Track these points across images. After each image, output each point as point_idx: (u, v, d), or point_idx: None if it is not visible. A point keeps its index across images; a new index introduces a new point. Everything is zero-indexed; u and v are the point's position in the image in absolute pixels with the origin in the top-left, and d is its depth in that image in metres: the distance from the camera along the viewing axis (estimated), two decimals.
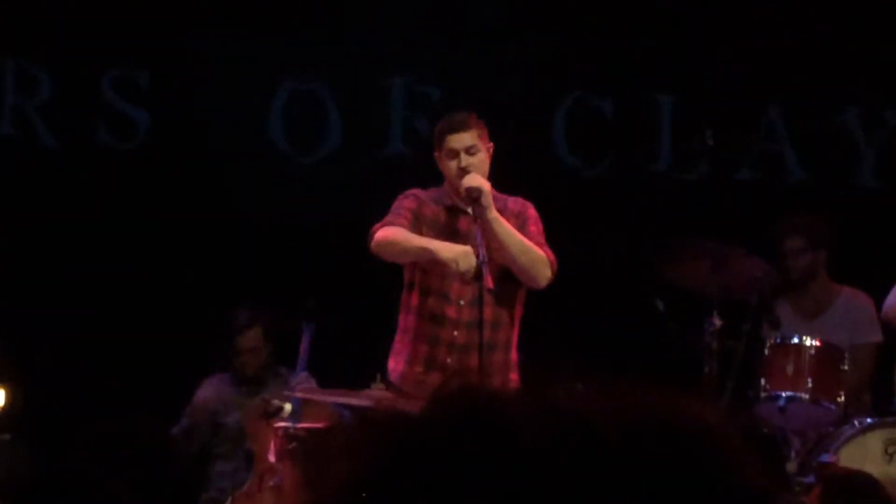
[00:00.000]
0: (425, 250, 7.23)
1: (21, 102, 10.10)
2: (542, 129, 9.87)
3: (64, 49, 10.00)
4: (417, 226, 7.37)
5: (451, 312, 7.34)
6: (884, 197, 9.87)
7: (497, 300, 7.27)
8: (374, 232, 7.28)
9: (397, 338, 7.49)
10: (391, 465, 1.10)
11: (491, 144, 7.35)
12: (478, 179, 7.14)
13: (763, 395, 8.50)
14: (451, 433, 1.12)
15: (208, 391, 9.23)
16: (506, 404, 1.15)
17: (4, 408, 8.25)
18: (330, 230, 8.66)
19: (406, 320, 7.46)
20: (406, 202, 7.41)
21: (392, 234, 7.26)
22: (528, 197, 7.57)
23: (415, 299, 7.44)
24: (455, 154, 7.25)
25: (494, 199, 7.25)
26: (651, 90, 10.13)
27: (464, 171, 7.19)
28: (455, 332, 7.33)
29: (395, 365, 7.41)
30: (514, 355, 7.44)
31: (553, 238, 7.46)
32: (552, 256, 7.30)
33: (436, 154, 7.43)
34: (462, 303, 7.32)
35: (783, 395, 8.44)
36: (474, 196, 7.12)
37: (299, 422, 7.65)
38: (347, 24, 9.97)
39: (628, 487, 1.15)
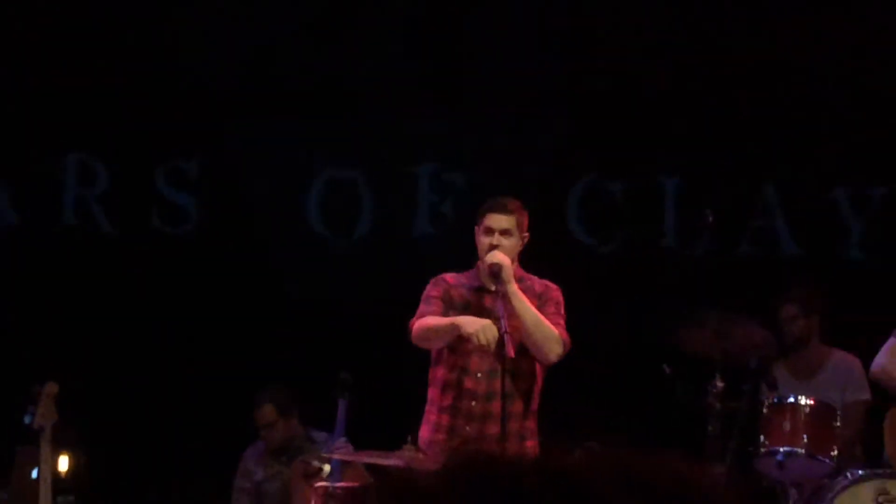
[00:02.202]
0: (453, 326, 7.15)
1: (82, 193, 10.15)
2: (558, 211, 9.87)
3: (119, 143, 10.05)
4: (446, 310, 7.34)
5: (469, 384, 7.29)
6: (870, 268, 9.87)
7: (514, 372, 7.19)
8: (412, 326, 7.27)
9: (426, 408, 7.43)
10: None
11: (527, 235, 7.35)
12: (500, 256, 7.11)
13: (763, 450, 8.43)
14: (462, 495, 1.09)
15: (251, 458, 9.22)
16: (518, 470, 1.12)
17: (68, 472, 8.26)
18: (365, 307, 8.63)
19: (432, 392, 7.41)
20: (435, 291, 7.40)
21: (425, 324, 7.23)
22: (547, 273, 7.52)
23: (439, 372, 7.38)
24: (490, 232, 7.22)
25: (522, 278, 7.29)
26: (656, 173, 10.16)
27: (492, 248, 7.17)
28: (473, 403, 7.28)
29: (424, 433, 7.33)
30: (531, 424, 7.38)
31: (570, 309, 7.41)
32: (566, 336, 7.27)
33: (476, 228, 7.36)
34: (479, 375, 7.27)
35: (781, 450, 8.37)
36: (495, 271, 7.09)
37: (338, 481, 7.67)
38: (378, 116, 9.96)
39: None
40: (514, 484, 1.09)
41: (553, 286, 7.42)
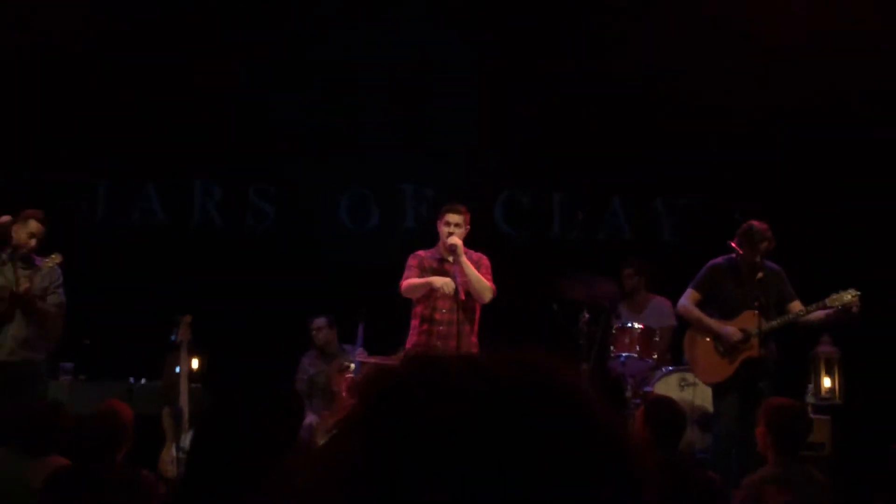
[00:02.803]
0: (427, 283, 7.24)
1: (205, 202, 10.14)
2: (489, 212, 9.83)
3: (226, 171, 10.00)
4: (421, 272, 7.35)
5: (437, 316, 7.29)
6: (676, 247, 9.83)
7: (464, 308, 7.26)
8: (401, 285, 7.32)
9: (410, 331, 7.41)
10: (378, 393, 0.97)
11: (469, 227, 7.32)
12: (455, 240, 7.17)
13: (612, 356, 8.47)
14: (406, 375, 0.98)
15: (307, 361, 9.21)
16: (445, 361, 0.99)
17: (197, 370, 8.26)
18: (375, 269, 8.46)
19: (414, 322, 7.40)
20: (413, 261, 7.41)
21: (410, 283, 7.30)
22: (481, 250, 7.48)
23: (418, 309, 7.37)
24: (448, 224, 7.23)
25: (466, 252, 7.26)
26: (549, 190, 10.10)
27: (450, 235, 7.21)
28: (440, 328, 7.28)
29: (408, 345, 7.38)
30: (474, 339, 7.36)
31: (495, 272, 7.40)
32: (493, 286, 7.29)
33: (438, 222, 7.36)
34: (444, 310, 7.28)
35: (623, 355, 8.42)
36: (453, 249, 7.18)
37: (359, 374, 7.59)
38: (378, 155, 9.89)
39: (513, 408, 0.94)
40: (440, 369, 0.98)
41: (484, 257, 7.44)
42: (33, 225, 7.34)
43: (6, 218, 7.40)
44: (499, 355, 1.02)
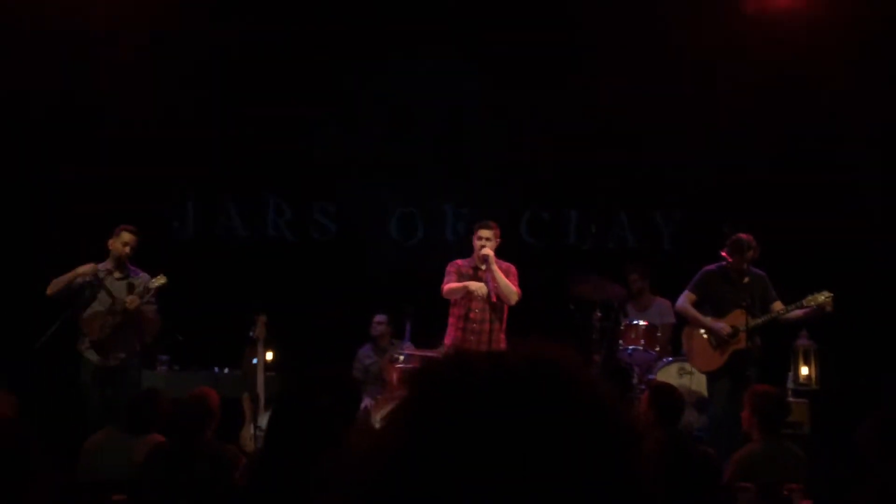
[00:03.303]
0: (464, 287, 7.25)
1: (279, 220, 10.09)
2: (516, 227, 9.74)
3: (295, 192, 9.93)
4: (459, 278, 7.34)
5: (472, 315, 7.31)
6: (674, 255, 9.65)
7: (494, 309, 7.28)
8: (443, 288, 7.33)
9: (448, 328, 7.42)
10: (420, 388, 0.99)
11: (500, 240, 7.33)
12: (488, 251, 7.19)
13: (621, 348, 8.45)
14: (443, 371, 0.98)
15: (363, 353, 9.14)
16: (475, 358, 0.99)
17: (272, 361, 8.18)
18: (421, 275, 8.43)
19: (451, 320, 7.41)
20: (452, 268, 7.40)
21: (450, 286, 7.30)
22: (509, 259, 7.45)
23: (455, 310, 7.39)
24: (481, 238, 7.24)
25: (496, 262, 7.26)
26: (566, 208, 10.01)
27: (482, 247, 7.22)
28: (474, 325, 7.28)
29: (447, 340, 7.39)
30: (503, 336, 7.34)
31: (521, 279, 7.37)
32: (519, 291, 7.28)
33: (472, 237, 7.35)
34: (477, 310, 7.29)
35: (630, 347, 8.41)
36: (485, 259, 7.20)
37: (408, 364, 7.56)
38: (424, 180, 9.89)
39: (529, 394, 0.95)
40: (470, 365, 0.98)
41: (513, 266, 7.43)
42: (126, 236, 7.48)
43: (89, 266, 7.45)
44: (519, 351, 1.02)
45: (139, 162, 9.26)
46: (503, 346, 7.27)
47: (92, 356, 7.32)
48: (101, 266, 7.53)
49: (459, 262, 7.48)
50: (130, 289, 7.43)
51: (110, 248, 7.50)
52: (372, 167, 9.89)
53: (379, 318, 9.14)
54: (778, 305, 7.32)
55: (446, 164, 9.88)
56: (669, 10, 9.19)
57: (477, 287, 7.25)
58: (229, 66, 9.59)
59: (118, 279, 7.47)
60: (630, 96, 9.30)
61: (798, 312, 7.20)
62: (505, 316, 7.40)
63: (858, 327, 8.51)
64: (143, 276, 7.58)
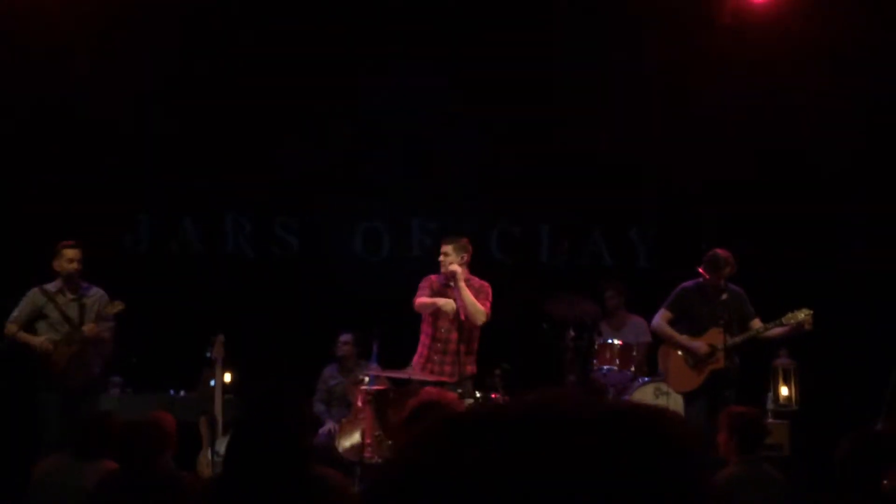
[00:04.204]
0: (433, 303, 7.27)
1: (237, 234, 10.03)
2: (485, 242, 9.67)
3: (256, 208, 9.93)
4: (431, 293, 7.36)
5: (438, 334, 7.32)
6: (650, 272, 9.70)
7: (462, 329, 7.23)
8: (414, 302, 7.34)
9: (418, 346, 7.43)
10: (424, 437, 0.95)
11: (467, 256, 7.30)
12: (455, 268, 7.18)
13: (595, 368, 8.49)
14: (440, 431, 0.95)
15: (328, 373, 9.12)
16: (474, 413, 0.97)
17: (230, 383, 8.16)
18: (386, 294, 8.42)
19: (421, 337, 7.42)
20: (425, 283, 7.42)
21: (421, 301, 7.32)
22: (478, 276, 7.44)
23: (424, 327, 7.41)
24: (441, 255, 7.29)
25: (468, 279, 7.25)
26: (537, 222, 10.05)
27: (449, 264, 7.22)
28: (439, 345, 7.30)
29: (415, 359, 7.39)
30: (472, 355, 7.34)
31: (494, 292, 7.36)
32: (487, 311, 7.26)
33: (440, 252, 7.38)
34: (443, 329, 7.29)
35: (605, 367, 8.46)
36: (452, 276, 7.21)
37: (373, 386, 7.52)
38: (390, 197, 9.90)
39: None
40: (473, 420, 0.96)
41: (486, 284, 7.43)
42: (69, 252, 7.52)
43: None
44: (517, 402, 1.00)
45: (89, 171, 9.24)
46: (471, 368, 7.36)
47: (52, 388, 7.35)
48: (50, 286, 7.54)
49: (433, 277, 7.47)
50: (82, 309, 7.44)
51: (56, 269, 7.51)
52: (336, 180, 9.89)
53: (344, 337, 9.11)
54: (756, 323, 7.38)
55: (412, 177, 9.91)
56: (643, 26, 9.29)
57: (445, 302, 7.27)
58: (188, 78, 9.56)
59: (71, 300, 7.47)
60: (603, 111, 9.38)
61: (777, 330, 7.28)
62: (475, 335, 7.41)
63: (839, 346, 8.58)
64: (95, 291, 7.61)
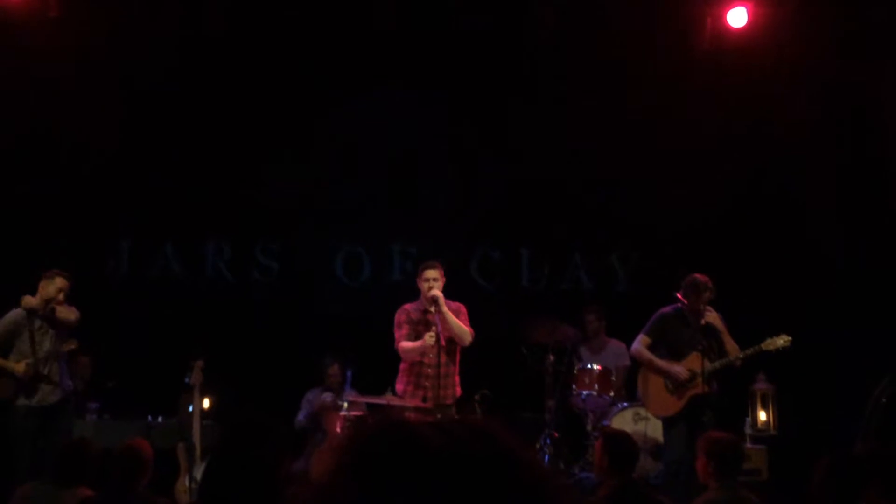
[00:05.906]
0: (420, 346, 7.12)
1: (219, 261, 10.04)
2: (465, 267, 9.77)
3: (237, 234, 9.92)
4: (410, 326, 7.26)
5: (423, 360, 7.23)
6: (629, 296, 9.73)
7: (446, 353, 7.17)
8: (397, 347, 7.25)
9: (399, 373, 7.34)
10: (358, 451, 1.06)
11: (444, 279, 7.23)
12: (436, 293, 7.11)
13: (574, 393, 8.50)
14: (381, 437, 1.04)
15: (310, 396, 9.10)
16: (415, 426, 1.05)
17: (209, 408, 8.13)
18: (366, 319, 8.43)
19: (403, 365, 7.32)
20: (401, 317, 7.33)
21: (404, 347, 7.21)
22: (458, 300, 7.39)
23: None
24: (427, 280, 7.19)
25: (445, 302, 7.19)
26: (516, 247, 10.08)
27: (430, 289, 7.17)
28: (428, 370, 7.20)
29: (398, 386, 7.29)
30: (456, 378, 7.32)
31: (472, 321, 7.33)
32: (472, 331, 7.22)
33: (417, 279, 7.30)
34: (430, 356, 7.19)
35: (584, 393, 8.47)
36: (434, 300, 7.13)
37: (350, 412, 7.53)
38: (370, 224, 9.92)
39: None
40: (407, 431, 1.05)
41: (462, 305, 7.38)
42: (60, 281, 7.42)
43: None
44: (454, 423, 1.08)
45: (69, 197, 9.23)
46: (457, 390, 7.35)
47: (22, 401, 7.27)
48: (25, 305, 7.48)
49: (408, 307, 7.40)
50: (51, 340, 7.43)
51: (41, 290, 7.41)
52: (317, 205, 9.90)
53: (332, 369, 9.12)
54: (734, 350, 7.38)
55: (393, 202, 9.93)
56: (623, 52, 9.34)
57: (427, 339, 7.16)
58: (169, 104, 9.58)
59: (39, 329, 7.41)
60: (584, 136, 9.43)
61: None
62: (458, 359, 7.38)
63: (817, 371, 8.61)
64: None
